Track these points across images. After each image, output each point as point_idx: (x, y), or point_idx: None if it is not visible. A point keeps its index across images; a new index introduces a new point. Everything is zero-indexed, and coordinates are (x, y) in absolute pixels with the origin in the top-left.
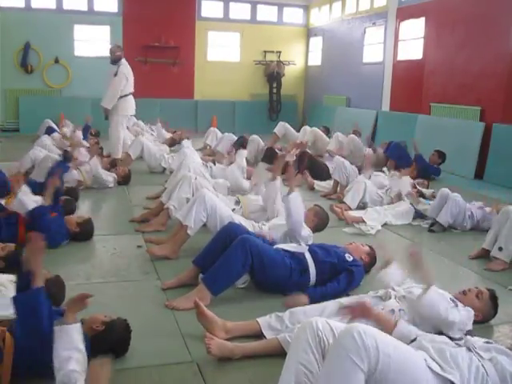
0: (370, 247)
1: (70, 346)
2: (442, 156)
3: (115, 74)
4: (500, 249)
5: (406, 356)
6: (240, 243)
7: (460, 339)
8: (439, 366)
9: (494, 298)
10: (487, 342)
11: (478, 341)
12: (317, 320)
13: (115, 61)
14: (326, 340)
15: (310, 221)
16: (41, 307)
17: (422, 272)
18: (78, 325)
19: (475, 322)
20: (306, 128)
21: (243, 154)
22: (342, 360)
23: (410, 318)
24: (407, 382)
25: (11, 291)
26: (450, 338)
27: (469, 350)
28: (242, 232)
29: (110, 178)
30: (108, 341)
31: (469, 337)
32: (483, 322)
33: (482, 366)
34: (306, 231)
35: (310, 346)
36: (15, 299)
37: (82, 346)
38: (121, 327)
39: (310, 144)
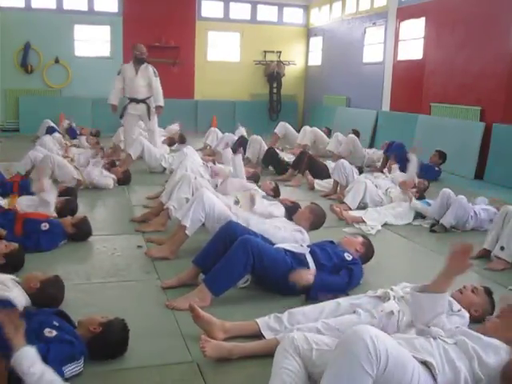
0: (363, 237)
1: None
2: (442, 156)
3: (155, 75)
4: (502, 248)
5: (406, 358)
6: (241, 244)
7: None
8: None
9: (489, 293)
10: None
11: (440, 331)
12: (293, 334)
13: (142, 61)
14: (301, 346)
15: (306, 218)
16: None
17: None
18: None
19: (474, 320)
20: (306, 128)
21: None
22: (353, 368)
23: (409, 320)
24: (405, 381)
25: (13, 290)
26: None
27: (434, 338)
28: (242, 232)
29: (109, 180)
30: (106, 342)
31: (432, 327)
32: (481, 318)
33: (449, 349)
34: (301, 234)
35: (288, 352)
36: None
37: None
38: (118, 327)
39: (310, 144)
